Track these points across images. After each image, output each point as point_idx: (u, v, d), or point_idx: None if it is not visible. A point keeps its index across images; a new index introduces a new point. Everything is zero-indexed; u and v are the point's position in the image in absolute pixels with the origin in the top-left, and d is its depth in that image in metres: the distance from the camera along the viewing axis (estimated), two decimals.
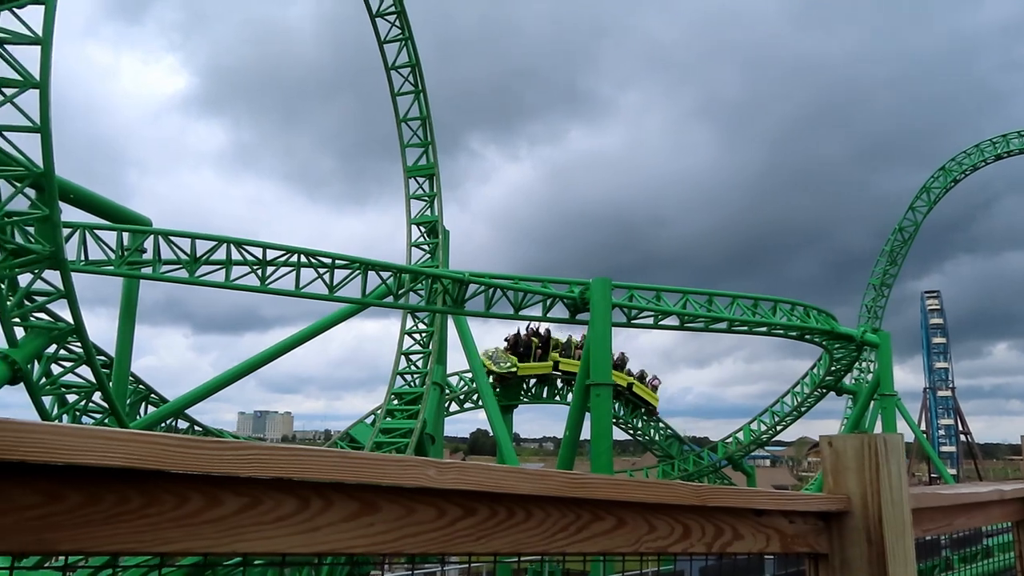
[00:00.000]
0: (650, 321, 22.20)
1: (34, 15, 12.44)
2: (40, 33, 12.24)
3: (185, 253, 17.55)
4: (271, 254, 18.47)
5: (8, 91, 12.04)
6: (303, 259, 18.79)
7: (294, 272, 18.69)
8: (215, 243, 17.85)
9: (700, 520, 1.93)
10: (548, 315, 21.86)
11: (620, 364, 33.73)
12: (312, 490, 1.38)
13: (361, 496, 1.42)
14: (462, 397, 32.59)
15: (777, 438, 41.65)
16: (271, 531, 1.33)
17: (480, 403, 30.08)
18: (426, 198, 25.76)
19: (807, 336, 26.76)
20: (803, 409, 35.00)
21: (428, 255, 25.02)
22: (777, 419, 35.64)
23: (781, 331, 25.01)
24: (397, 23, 25.39)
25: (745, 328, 23.78)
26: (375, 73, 26.25)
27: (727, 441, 36.37)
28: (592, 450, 19.89)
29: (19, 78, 12.09)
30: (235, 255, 18.03)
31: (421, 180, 25.98)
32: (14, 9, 12.09)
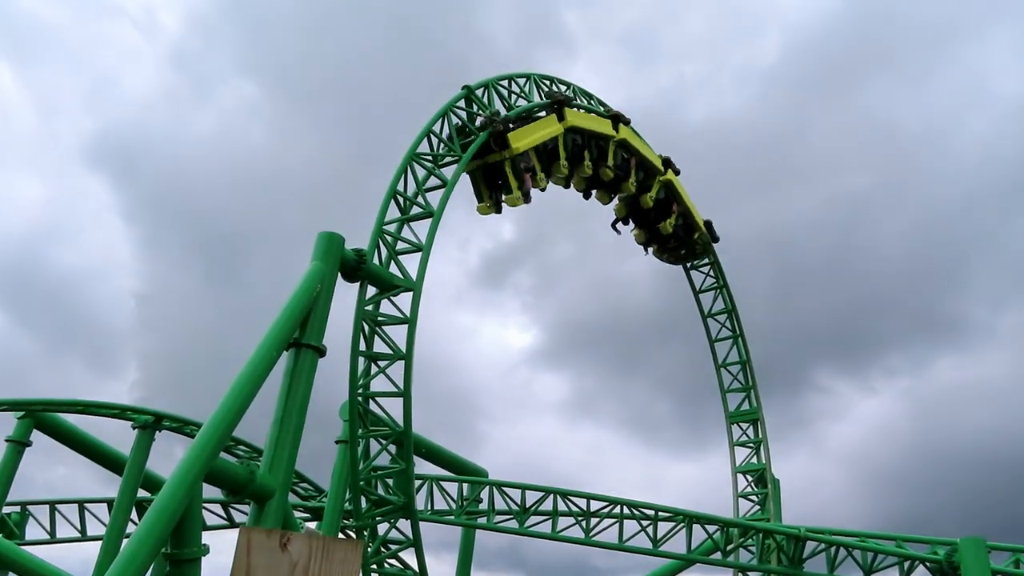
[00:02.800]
0: None
1: (405, 298, 15.12)
2: (408, 314, 14.78)
3: (516, 503, 18.55)
4: (595, 505, 18.79)
5: (382, 363, 14.47)
6: (626, 511, 18.80)
7: (617, 524, 18.69)
8: (543, 493, 18.67)
9: None
10: None
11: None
12: None
13: None
14: None
15: None
16: None
17: None
18: (751, 444, 24.86)
19: None
20: None
21: (758, 507, 23.63)
22: None
23: None
24: (711, 273, 26.40)
25: None
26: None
27: None
28: None
29: (390, 352, 14.51)
30: (561, 506, 18.63)
31: (745, 426, 25.29)
32: (390, 297, 14.84)
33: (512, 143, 17.80)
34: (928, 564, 18.27)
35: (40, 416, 17.29)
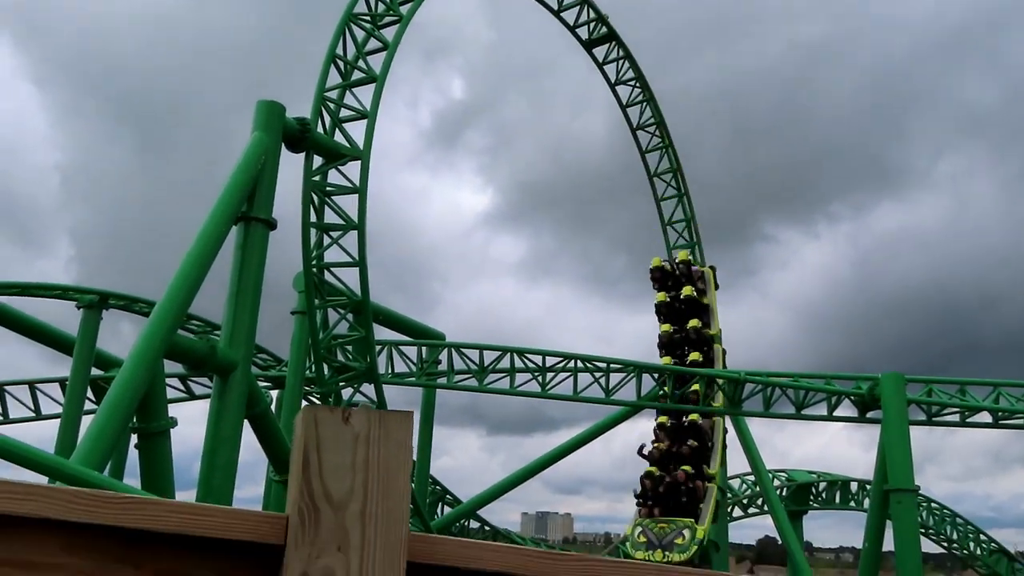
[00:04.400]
0: (956, 418, 19.96)
1: (353, 167, 14.86)
2: (357, 183, 14.58)
3: (474, 363, 19.15)
4: (550, 361, 19.53)
5: (335, 234, 14.39)
6: (580, 364, 19.60)
7: (572, 377, 19.52)
8: (500, 352, 19.29)
9: None
10: (834, 414, 20.50)
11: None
12: None
13: None
14: (745, 501, 31.07)
15: None
16: None
17: (766, 508, 28.51)
18: None
19: None
20: None
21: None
22: None
23: None
24: (657, 132, 26.40)
25: None
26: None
27: None
28: (897, 565, 17.99)
29: (342, 222, 14.41)
30: (518, 363, 19.31)
31: None
32: (338, 167, 14.56)
33: None
34: (852, 397, 19.78)
35: None
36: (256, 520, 1.46)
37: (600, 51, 25.58)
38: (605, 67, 25.79)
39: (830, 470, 31.08)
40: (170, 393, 18.92)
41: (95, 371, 17.61)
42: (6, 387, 19.58)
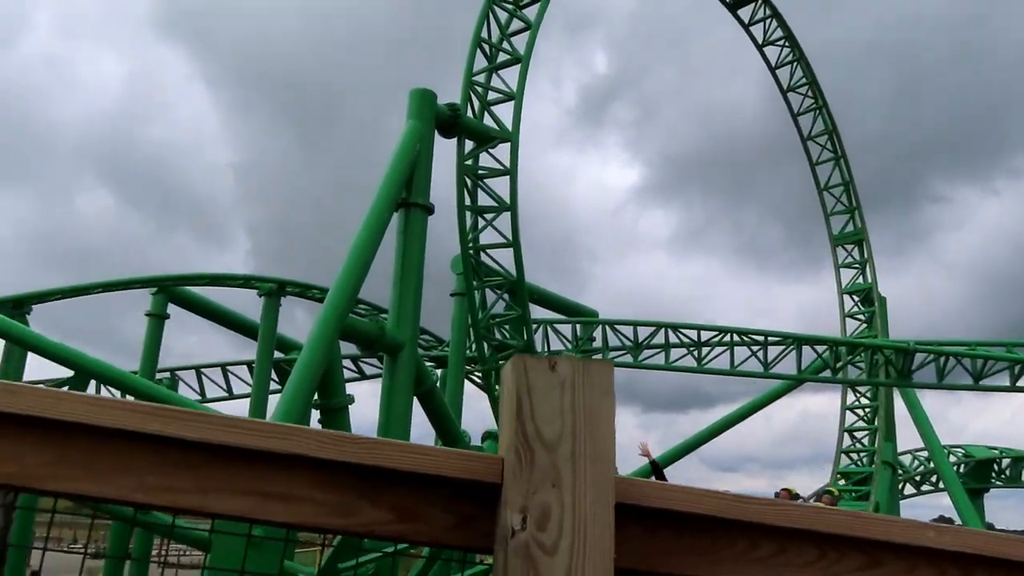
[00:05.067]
0: None
1: (503, 149, 15.17)
2: (508, 165, 14.88)
3: (628, 339, 19.12)
4: (705, 335, 19.18)
5: (488, 216, 14.78)
6: (736, 338, 19.13)
7: (728, 351, 19.09)
8: (654, 328, 19.15)
9: None
10: (1017, 384, 18.85)
11: None
12: (828, 543, 1.73)
13: (869, 551, 1.74)
14: (918, 478, 29.25)
15: None
16: (797, 573, 1.72)
17: (941, 485, 26.72)
18: (857, 265, 24.44)
19: None
20: None
21: (865, 325, 23.54)
22: None
23: None
24: (809, 93, 25.10)
25: None
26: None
27: None
28: None
29: (495, 204, 14.76)
30: (672, 338, 19.11)
31: (850, 247, 24.77)
32: (488, 150, 14.92)
33: None
34: None
35: (172, 291, 18.56)
36: (475, 460, 1.61)
37: (745, 12, 24.59)
38: (751, 28, 24.78)
39: (1015, 446, 28.64)
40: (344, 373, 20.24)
41: (277, 354, 19.06)
42: (203, 370, 21.80)
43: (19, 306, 16.04)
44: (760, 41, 24.87)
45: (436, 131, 14.05)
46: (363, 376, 21.16)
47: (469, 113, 14.74)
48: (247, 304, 19.71)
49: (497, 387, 15.90)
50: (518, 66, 15.49)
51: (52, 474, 1.44)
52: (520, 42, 15.91)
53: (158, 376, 20.15)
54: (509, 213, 14.72)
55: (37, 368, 22.64)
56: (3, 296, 16.02)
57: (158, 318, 18.50)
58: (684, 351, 19.22)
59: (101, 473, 1.50)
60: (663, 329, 19.16)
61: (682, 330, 19.25)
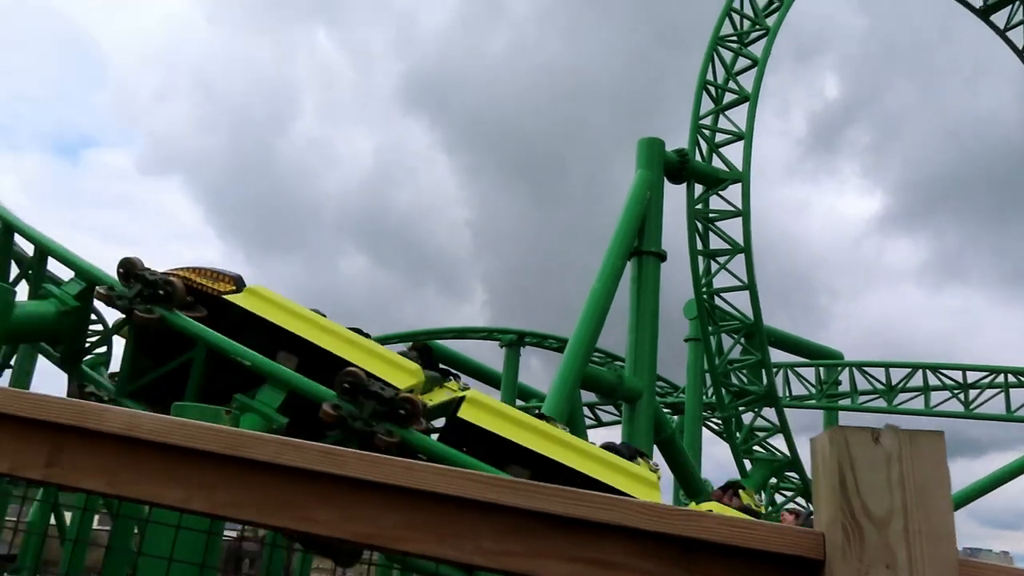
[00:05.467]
0: None
1: (734, 190, 14.84)
2: (739, 206, 14.52)
3: (880, 382, 17.67)
4: (972, 376, 17.27)
5: (722, 259, 14.47)
6: (1012, 379, 17.04)
7: (1003, 393, 17.04)
8: (910, 369, 17.56)
9: None
10: None
11: None
12: None
13: None
14: None
15: None
16: None
17: None
18: None
19: None
20: None
21: None
22: None
23: None
24: None
25: None
26: None
27: None
28: None
29: (728, 247, 14.42)
30: (932, 380, 17.40)
31: None
32: (719, 192, 14.67)
33: None
34: None
35: (423, 344, 19.93)
36: (796, 536, 1.58)
37: (1000, 16, 22.31)
38: (1008, 33, 22.40)
39: None
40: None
41: (518, 402, 19.74)
42: None
43: None
44: (1020, 47, 22.42)
45: (665, 178, 14.07)
46: (600, 423, 21.29)
47: (697, 157, 14.62)
48: (485, 354, 20.68)
49: (737, 434, 15.34)
50: (746, 104, 15.17)
51: (403, 536, 1.61)
52: (747, 80, 15.60)
53: None
54: (743, 255, 14.31)
55: None
56: None
57: None
58: (947, 394, 17.39)
59: (444, 537, 1.66)
60: (920, 370, 17.50)
61: (943, 371, 17.47)
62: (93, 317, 8.56)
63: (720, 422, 15.81)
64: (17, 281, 8.47)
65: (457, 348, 20.88)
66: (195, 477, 1.55)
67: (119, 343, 8.16)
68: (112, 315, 8.97)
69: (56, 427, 1.60)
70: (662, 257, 13.23)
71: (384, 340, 19.79)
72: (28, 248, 8.44)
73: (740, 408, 14.91)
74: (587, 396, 15.61)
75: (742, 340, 14.82)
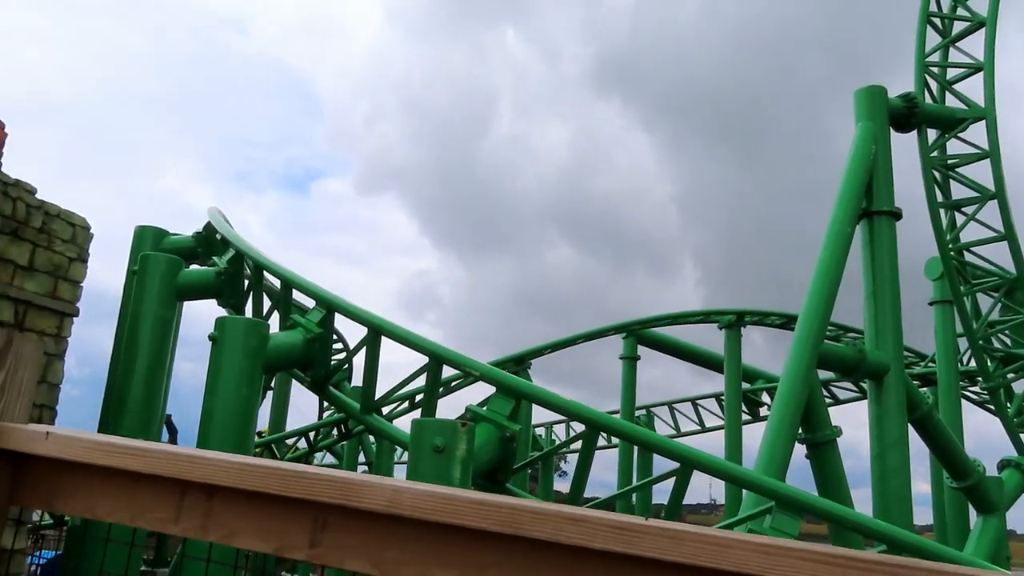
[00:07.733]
0: None
1: (976, 129, 13.13)
2: (986, 146, 12.81)
3: None
4: None
5: (969, 209, 12.84)
6: None
7: None
8: None
9: None
10: None
11: None
12: None
13: None
14: None
15: None
16: None
17: None
18: None
19: None
20: None
21: None
22: None
23: None
24: None
25: None
26: None
27: None
28: None
29: (976, 194, 12.77)
30: None
31: None
32: (957, 135, 13.03)
33: None
34: None
35: (640, 333, 19.60)
36: None
37: None
38: None
39: None
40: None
41: (744, 384, 18.90)
42: (674, 405, 22.78)
43: (520, 362, 18.39)
44: None
45: (891, 128, 12.71)
46: (837, 401, 19.82)
47: (927, 99, 13.08)
48: (703, 336, 20.00)
49: (1008, 405, 13.56)
50: (981, 31, 13.36)
51: None
52: (977, 2, 13.75)
53: (636, 413, 21.38)
54: (996, 201, 12.59)
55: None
56: (507, 356, 18.49)
57: (631, 360, 19.71)
58: None
59: None
60: None
61: None
62: (334, 337, 9.14)
63: (984, 392, 14.06)
64: (269, 314, 9.25)
65: (673, 334, 20.35)
66: (469, 556, 1.40)
67: (359, 360, 8.63)
68: (352, 336, 9.53)
69: (319, 505, 1.52)
70: (897, 215, 11.94)
71: (602, 333, 19.67)
72: (275, 283, 9.16)
73: (1009, 376, 13.15)
74: (823, 374, 14.53)
75: (1003, 298, 13.06)
